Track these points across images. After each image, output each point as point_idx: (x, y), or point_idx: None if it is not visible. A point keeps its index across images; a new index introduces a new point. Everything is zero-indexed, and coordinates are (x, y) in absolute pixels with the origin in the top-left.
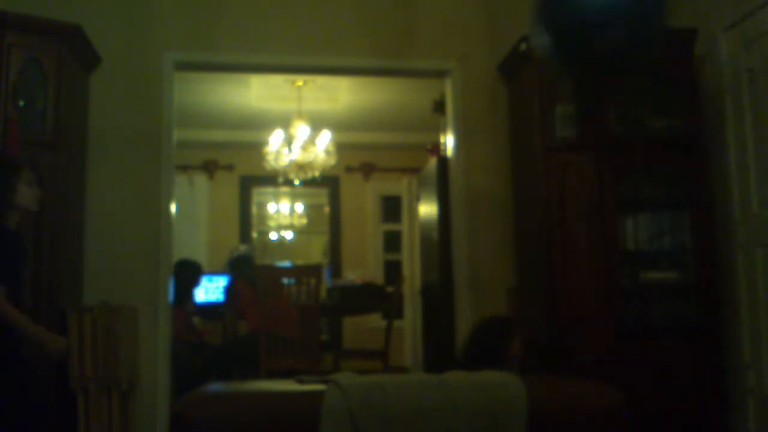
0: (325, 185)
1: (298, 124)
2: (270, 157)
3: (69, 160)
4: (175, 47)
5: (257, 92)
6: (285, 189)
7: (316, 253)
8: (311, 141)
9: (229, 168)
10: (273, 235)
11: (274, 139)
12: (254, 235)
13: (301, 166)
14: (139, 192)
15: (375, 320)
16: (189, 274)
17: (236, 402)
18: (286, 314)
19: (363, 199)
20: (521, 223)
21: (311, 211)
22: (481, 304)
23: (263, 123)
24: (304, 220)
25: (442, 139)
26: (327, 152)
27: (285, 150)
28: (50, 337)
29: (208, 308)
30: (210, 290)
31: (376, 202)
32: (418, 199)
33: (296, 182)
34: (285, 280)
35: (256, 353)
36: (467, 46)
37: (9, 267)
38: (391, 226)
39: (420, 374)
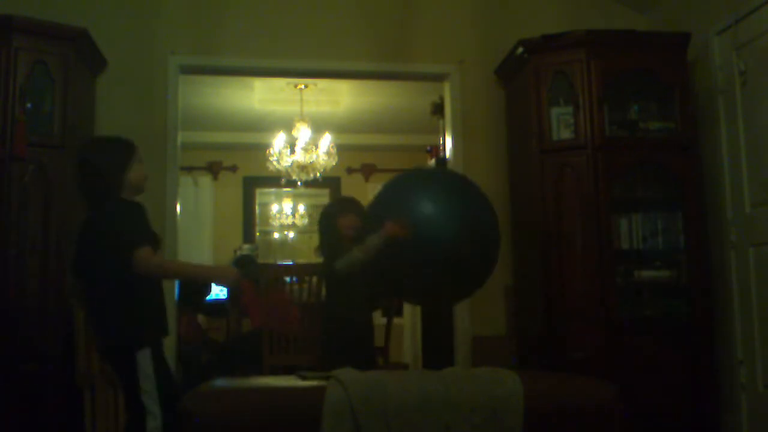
0: (326, 186)
1: (300, 126)
2: (273, 158)
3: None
4: (180, 51)
5: (260, 95)
6: (287, 189)
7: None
8: (313, 143)
9: (233, 169)
10: (275, 235)
11: (278, 140)
12: (257, 234)
13: (303, 167)
14: (145, 192)
15: (375, 318)
16: (200, 287)
17: (240, 397)
18: (289, 312)
19: (364, 199)
20: (518, 222)
21: (313, 211)
22: (478, 302)
23: (266, 125)
24: (306, 220)
25: (440, 141)
26: (328, 154)
27: (287, 152)
28: (219, 270)
29: (213, 306)
30: (214, 288)
31: None
32: None
33: (298, 183)
34: (287, 279)
35: (259, 350)
36: (465, 50)
37: (149, 233)
38: None
39: (419, 370)
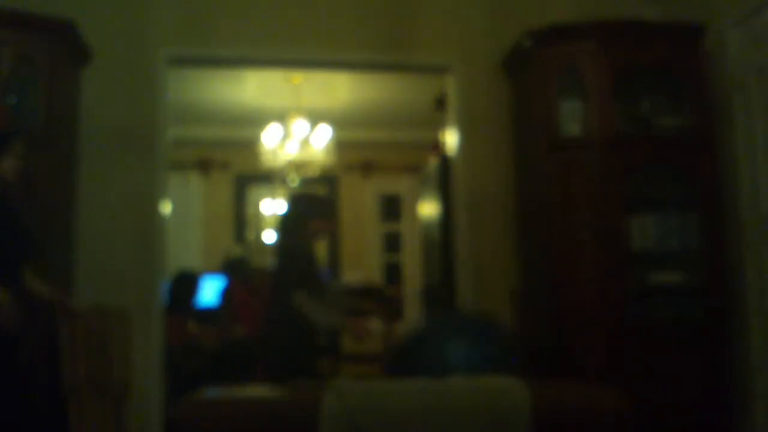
0: (323, 184)
1: (295, 120)
2: (267, 158)
3: (60, 158)
4: (169, 42)
5: (254, 89)
6: (282, 189)
7: None
8: (308, 139)
9: (224, 166)
10: (269, 235)
11: (271, 135)
12: (250, 235)
13: (298, 166)
14: (133, 191)
15: (375, 323)
16: (187, 287)
17: (232, 408)
18: None
19: (362, 198)
20: (525, 222)
21: None
22: (482, 306)
23: (260, 120)
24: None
25: (443, 137)
26: (325, 151)
27: (282, 149)
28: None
29: (203, 311)
30: (205, 293)
31: (376, 201)
32: (419, 198)
33: (293, 183)
34: None
35: (251, 357)
36: (469, 41)
37: None
38: (391, 226)
39: (420, 379)
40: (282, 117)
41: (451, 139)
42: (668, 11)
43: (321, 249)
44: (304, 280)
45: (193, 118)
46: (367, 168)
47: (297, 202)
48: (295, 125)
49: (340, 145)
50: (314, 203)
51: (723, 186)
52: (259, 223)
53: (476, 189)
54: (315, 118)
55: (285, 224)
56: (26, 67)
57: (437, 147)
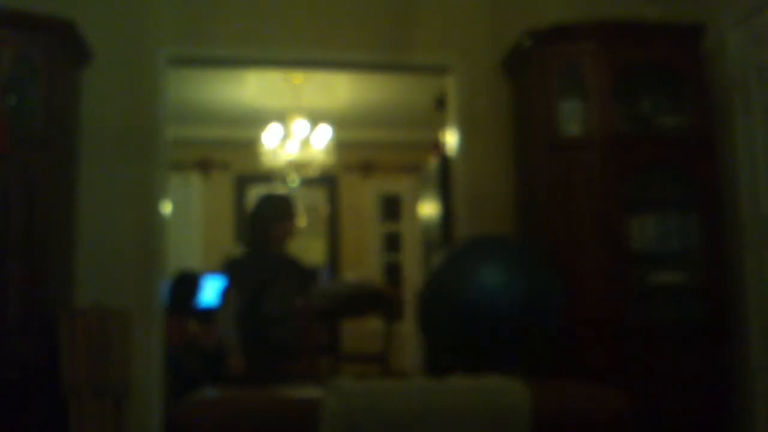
0: (323, 185)
1: (295, 120)
2: (267, 158)
3: (60, 158)
4: (169, 42)
5: (254, 89)
6: (282, 188)
7: (313, 253)
8: (308, 139)
9: (224, 167)
10: None
11: (271, 135)
12: None
13: (298, 166)
14: (133, 191)
15: (375, 323)
16: (188, 287)
17: (232, 408)
18: None
19: (362, 198)
20: (525, 223)
21: (309, 211)
22: None
23: (260, 120)
24: (304, 222)
25: (443, 137)
26: (326, 151)
27: (282, 149)
28: None
29: (204, 311)
30: (205, 293)
31: (376, 201)
32: (419, 198)
33: (293, 184)
34: None
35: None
36: (469, 41)
37: None
38: (391, 226)
39: (421, 379)
40: (282, 117)
41: (451, 139)
42: (668, 11)
43: (320, 249)
44: (238, 281)
45: (193, 118)
46: (367, 168)
47: (260, 205)
48: (295, 125)
49: (340, 145)
50: (276, 207)
51: (723, 186)
52: None
53: (476, 189)
54: (315, 118)
55: (250, 226)
56: (26, 67)
57: (437, 147)
